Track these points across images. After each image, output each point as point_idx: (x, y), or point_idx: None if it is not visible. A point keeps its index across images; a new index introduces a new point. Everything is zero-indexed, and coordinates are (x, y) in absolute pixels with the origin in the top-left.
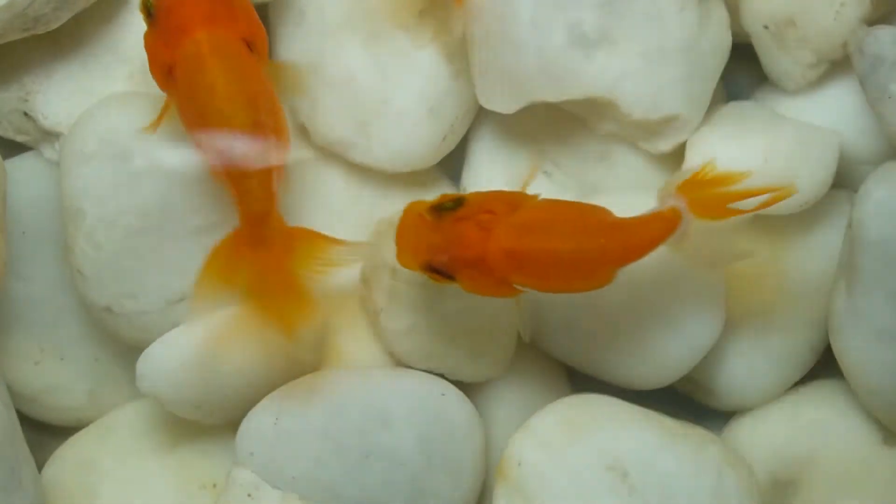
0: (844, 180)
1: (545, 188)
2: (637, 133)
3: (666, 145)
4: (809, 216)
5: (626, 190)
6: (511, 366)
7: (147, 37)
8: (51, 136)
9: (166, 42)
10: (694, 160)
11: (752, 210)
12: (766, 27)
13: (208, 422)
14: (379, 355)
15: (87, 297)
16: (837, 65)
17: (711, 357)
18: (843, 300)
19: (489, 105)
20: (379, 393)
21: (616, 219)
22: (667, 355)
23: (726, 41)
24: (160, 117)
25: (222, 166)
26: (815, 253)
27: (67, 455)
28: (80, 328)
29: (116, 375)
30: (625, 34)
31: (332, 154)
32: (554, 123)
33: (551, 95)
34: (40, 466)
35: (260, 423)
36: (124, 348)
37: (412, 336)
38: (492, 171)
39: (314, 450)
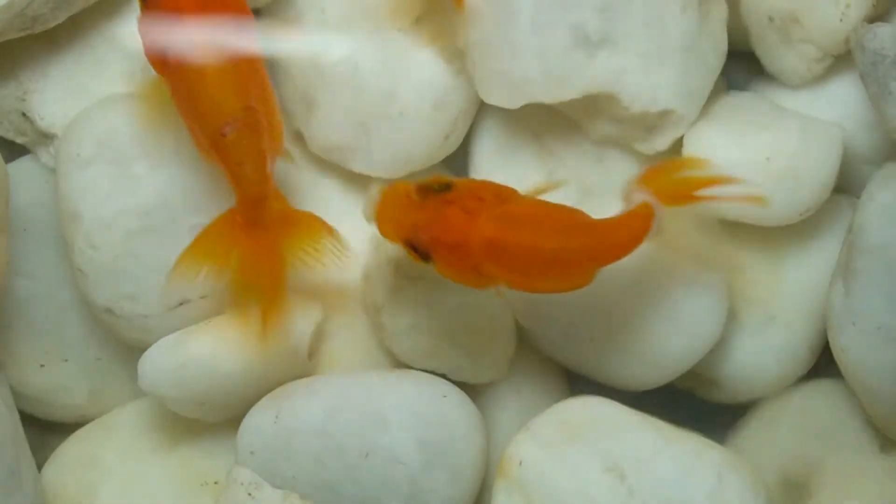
0: (845, 180)
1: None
2: (633, 131)
3: (662, 142)
4: (810, 221)
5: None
6: (511, 369)
7: (142, 19)
8: (47, 138)
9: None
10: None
11: (718, 197)
12: (770, 19)
13: (209, 420)
14: (378, 356)
15: (89, 296)
16: (840, 59)
17: (715, 350)
18: (842, 299)
19: (491, 100)
20: (379, 393)
21: (596, 220)
22: (667, 354)
23: (726, 39)
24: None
25: (216, 151)
26: (817, 251)
27: (68, 453)
28: (83, 327)
29: (118, 374)
30: (626, 35)
31: (329, 164)
32: (554, 123)
33: (552, 96)
34: (41, 465)
35: (260, 421)
36: (126, 347)
37: (413, 334)
38: (496, 170)
39: (314, 449)
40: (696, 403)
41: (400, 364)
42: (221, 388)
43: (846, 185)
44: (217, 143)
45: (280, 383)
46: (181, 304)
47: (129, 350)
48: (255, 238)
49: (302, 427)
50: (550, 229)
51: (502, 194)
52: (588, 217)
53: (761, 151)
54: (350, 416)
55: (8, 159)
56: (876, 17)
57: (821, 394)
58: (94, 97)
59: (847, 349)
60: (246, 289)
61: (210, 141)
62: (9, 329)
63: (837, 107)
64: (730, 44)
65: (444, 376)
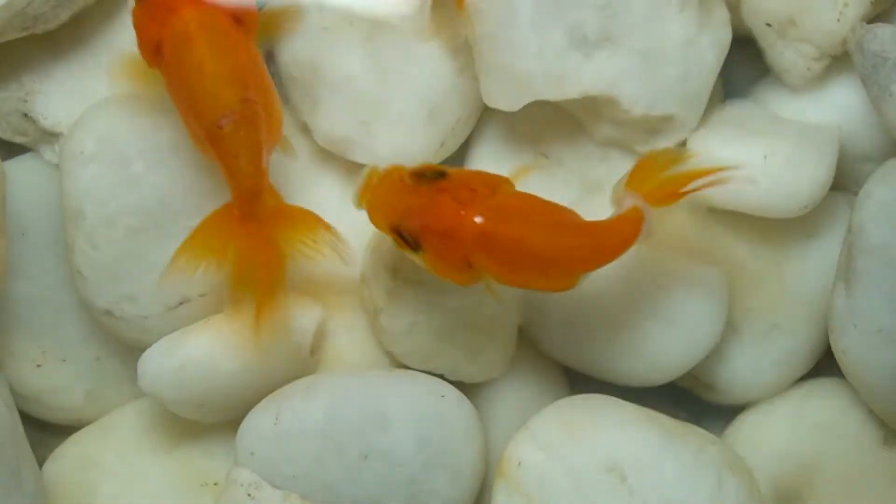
0: (845, 181)
1: (548, 185)
2: (635, 134)
3: (665, 145)
4: (809, 218)
5: None
6: (510, 366)
7: (135, 13)
8: (51, 136)
9: (154, 19)
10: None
11: (700, 188)
12: (768, 25)
13: (209, 421)
14: (378, 356)
15: (88, 298)
16: (839, 60)
17: (713, 353)
18: (843, 301)
19: (493, 103)
20: (378, 394)
21: (586, 222)
22: (667, 354)
23: (726, 39)
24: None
25: (212, 144)
26: (816, 254)
27: (68, 453)
28: (81, 328)
29: (117, 375)
30: (625, 35)
31: (333, 155)
32: (558, 121)
33: (552, 95)
34: (41, 465)
35: (260, 422)
36: (125, 348)
37: (412, 336)
38: (495, 170)
39: (314, 449)
40: (696, 401)
41: (400, 365)
42: (221, 389)
43: (846, 186)
44: (213, 135)
45: (281, 383)
46: (181, 303)
47: (129, 350)
48: (251, 232)
49: (302, 428)
50: (541, 225)
51: (496, 186)
52: (580, 218)
53: (760, 152)
54: (350, 416)
55: (5, 158)
56: (874, 16)
57: (819, 392)
58: (97, 97)
59: (848, 351)
60: (243, 283)
61: (206, 133)
62: (7, 330)
63: (837, 109)
64: (732, 41)
65: (441, 377)
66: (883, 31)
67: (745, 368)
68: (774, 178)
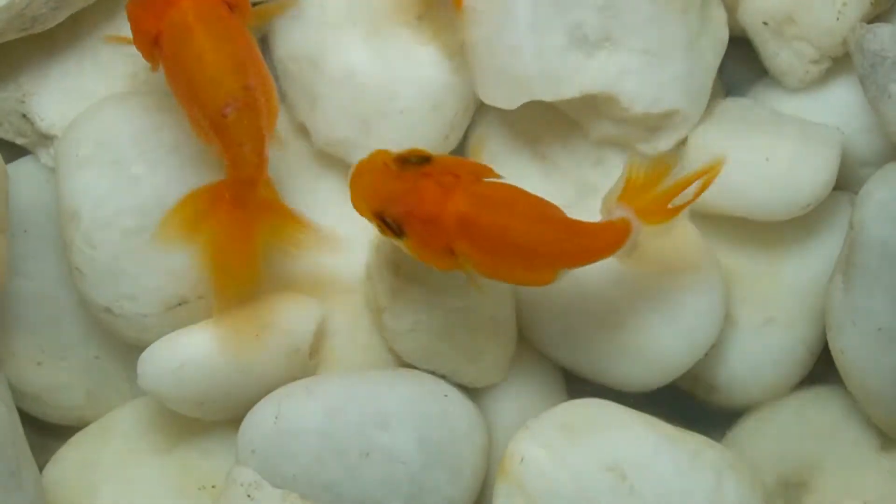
0: (845, 182)
1: (543, 189)
2: (636, 132)
3: (666, 143)
4: (811, 217)
5: None
6: (510, 370)
7: (130, 9)
8: (47, 139)
9: (150, 13)
10: (696, 159)
11: (691, 201)
12: (765, 23)
13: (209, 419)
14: (381, 355)
15: (87, 296)
16: (838, 62)
17: (713, 353)
18: (841, 297)
19: (490, 101)
20: (379, 393)
21: (570, 219)
22: (665, 356)
23: (724, 39)
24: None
25: (216, 132)
26: (816, 254)
27: (68, 455)
28: (82, 326)
29: (117, 373)
30: (626, 35)
31: (332, 156)
32: (553, 124)
33: (550, 94)
34: (41, 466)
35: (261, 421)
36: (125, 347)
37: (415, 335)
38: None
39: (314, 448)
40: (696, 408)
41: (403, 364)
42: (221, 388)
43: (846, 188)
44: (217, 123)
45: (281, 383)
46: (180, 303)
47: (128, 349)
48: (236, 218)
49: (302, 427)
50: (525, 215)
51: (479, 173)
52: (565, 215)
53: (761, 152)
54: (350, 415)
55: (8, 160)
56: (874, 16)
57: (818, 398)
58: (94, 98)
59: (846, 350)
60: (215, 265)
61: (210, 122)
62: (7, 328)
63: (835, 111)
64: (728, 46)
65: (444, 377)
66: (882, 30)
67: (744, 366)
68: (775, 177)
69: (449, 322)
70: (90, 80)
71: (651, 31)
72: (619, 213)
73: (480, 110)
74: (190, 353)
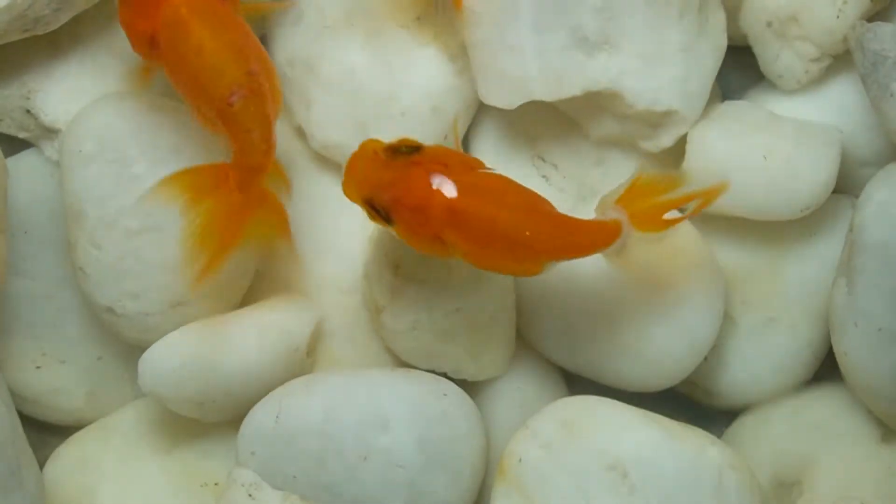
0: (846, 183)
1: (543, 191)
2: (638, 128)
3: (667, 139)
4: (812, 218)
5: None
6: (510, 368)
7: (122, 11)
8: (52, 132)
9: (143, 13)
10: (695, 158)
11: (686, 216)
12: (769, 24)
13: (210, 420)
14: (380, 354)
15: (90, 295)
16: (838, 59)
17: (712, 358)
18: (844, 299)
19: (491, 101)
20: (379, 393)
21: (561, 214)
22: (665, 357)
23: (723, 43)
24: (143, 74)
25: (223, 121)
26: (817, 255)
27: (68, 454)
28: (83, 327)
29: (118, 374)
30: (625, 38)
31: (329, 159)
32: (553, 125)
33: (551, 94)
34: (41, 466)
35: (261, 421)
36: (126, 348)
37: (414, 334)
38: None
39: (314, 449)
40: (695, 410)
41: (402, 363)
42: (221, 388)
43: (846, 189)
44: (224, 112)
45: (280, 383)
46: (181, 303)
47: (129, 350)
48: (235, 202)
49: (302, 427)
50: (513, 206)
51: (469, 164)
52: (554, 208)
53: (759, 151)
54: (350, 415)
55: (8, 154)
56: (874, 13)
57: (815, 396)
58: (96, 95)
59: (849, 351)
60: (196, 237)
61: (217, 112)
62: (7, 329)
63: (835, 111)
64: (727, 49)
65: (444, 375)
66: (883, 29)
67: (744, 369)
68: (773, 179)
69: (448, 322)
70: (92, 80)
71: (648, 35)
72: (613, 214)
73: (481, 110)
74: (190, 353)
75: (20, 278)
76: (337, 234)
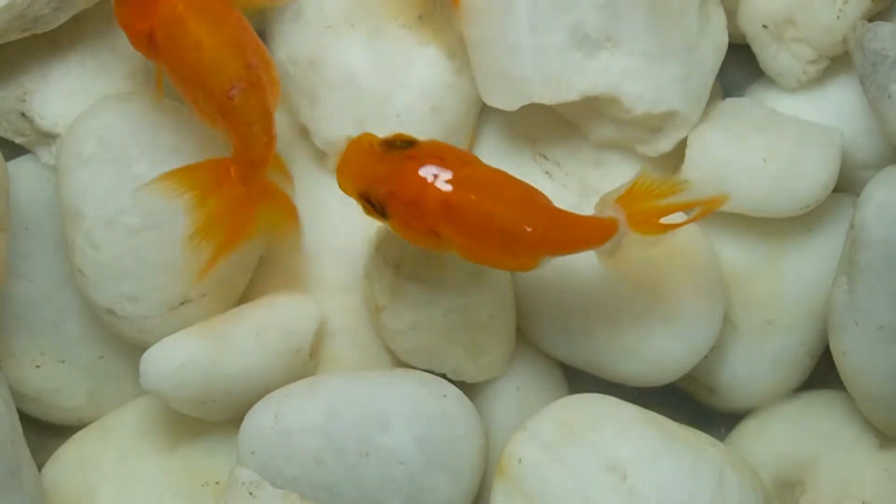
0: (846, 185)
1: (546, 187)
2: (636, 133)
3: (667, 144)
4: (812, 219)
5: None
6: (510, 367)
7: (118, 10)
8: (47, 137)
9: (140, 12)
10: (695, 157)
11: (683, 223)
12: (764, 26)
13: (211, 419)
14: (380, 355)
15: (90, 298)
16: (837, 61)
17: (713, 357)
18: (844, 297)
19: (491, 102)
20: (379, 393)
21: (557, 208)
22: (665, 353)
23: (724, 42)
24: (158, 82)
25: (223, 116)
26: (817, 256)
27: (68, 454)
28: (83, 327)
29: (119, 373)
30: (627, 37)
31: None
32: (553, 127)
33: (551, 98)
34: (41, 466)
35: (261, 421)
36: (126, 347)
37: (414, 334)
38: None
39: (314, 449)
40: (696, 410)
41: (401, 364)
42: (222, 388)
43: (846, 191)
44: (224, 107)
45: (281, 384)
46: (182, 303)
47: (130, 350)
48: (238, 195)
49: (302, 427)
50: (509, 200)
51: (464, 159)
52: (550, 202)
53: (760, 152)
54: (350, 415)
55: (7, 158)
56: (875, 13)
57: (817, 401)
58: (95, 97)
59: (848, 352)
60: (202, 231)
61: (217, 107)
62: (8, 329)
63: (834, 112)
64: (729, 47)
65: (444, 376)
66: (883, 29)
67: (743, 369)
68: (774, 179)
69: (448, 321)
70: (91, 80)
71: (649, 33)
72: (610, 212)
73: (483, 110)
74: (191, 353)
75: (20, 279)
76: (337, 234)
